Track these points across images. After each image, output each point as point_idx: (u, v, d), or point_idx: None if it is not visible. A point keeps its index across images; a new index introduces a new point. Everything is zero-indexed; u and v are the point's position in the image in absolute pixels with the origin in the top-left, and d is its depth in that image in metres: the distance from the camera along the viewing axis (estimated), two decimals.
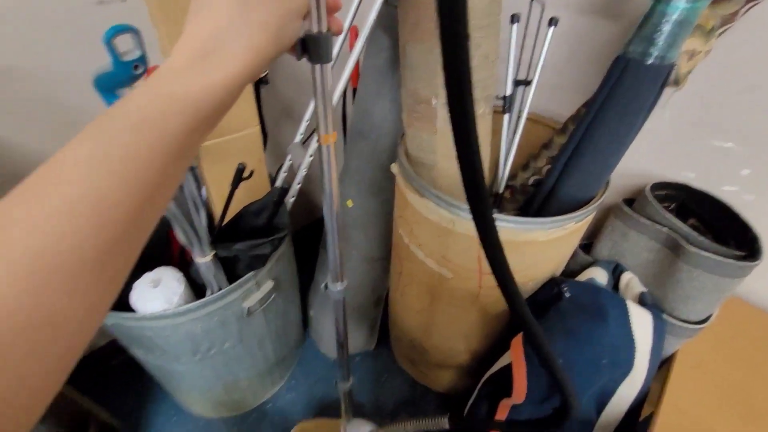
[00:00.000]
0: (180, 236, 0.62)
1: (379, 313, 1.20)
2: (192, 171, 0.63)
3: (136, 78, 0.36)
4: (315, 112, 0.34)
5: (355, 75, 0.95)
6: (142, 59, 0.37)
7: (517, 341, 0.70)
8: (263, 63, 0.23)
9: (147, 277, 0.71)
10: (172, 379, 0.94)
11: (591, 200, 0.70)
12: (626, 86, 0.56)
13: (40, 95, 0.78)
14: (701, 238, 0.67)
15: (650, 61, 0.53)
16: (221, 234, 0.73)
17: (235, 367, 0.94)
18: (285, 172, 0.94)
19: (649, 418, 0.70)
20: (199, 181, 0.65)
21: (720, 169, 0.75)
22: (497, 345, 0.94)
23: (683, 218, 0.74)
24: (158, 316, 0.68)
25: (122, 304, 0.71)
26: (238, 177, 0.64)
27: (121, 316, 0.67)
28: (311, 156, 0.82)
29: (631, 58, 0.55)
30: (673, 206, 0.81)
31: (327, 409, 1.15)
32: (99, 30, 0.77)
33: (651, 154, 0.81)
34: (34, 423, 0.16)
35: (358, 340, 1.23)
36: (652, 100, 0.58)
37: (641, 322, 0.65)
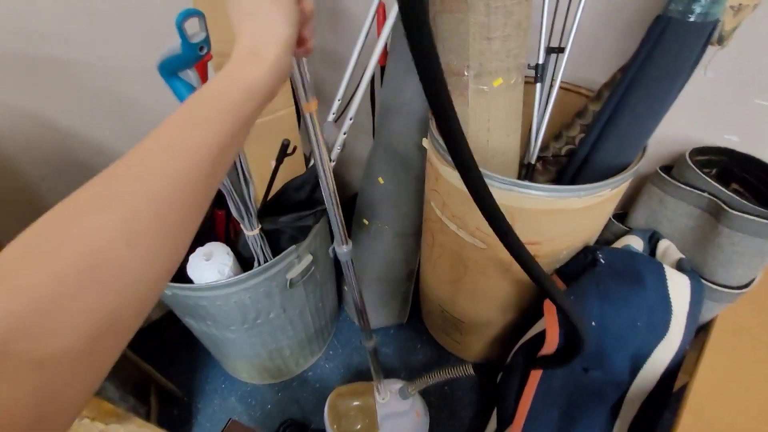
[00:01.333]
0: (233, 210, 0.67)
1: (410, 286, 1.23)
2: (239, 152, 0.67)
3: (200, 59, 0.39)
4: (295, 82, 0.38)
5: (383, 54, 0.96)
6: (207, 41, 0.40)
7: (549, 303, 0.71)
8: (292, 45, 0.31)
9: (200, 252, 0.77)
10: (223, 347, 1.02)
11: (627, 167, 0.70)
12: (666, 47, 0.55)
13: (100, 87, 0.84)
14: (744, 202, 0.65)
15: (692, 18, 0.52)
16: (266, 209, 0.78)
17: (278, 335, 1.01)
18: None
19: (685, 387, 0.71)
20: (244, 161, 0.69)
21: (766, 131, 0.72)
22: (530, 313, 0.96)
23: (725, 183, 0.72)
24: (213, 286, 0.73)
25: (179, 277, 0.77)
26: (283, 152, 0.68)
27: (180, 287, 0.74)
28: (345, 134, 0.85)
29: (672, 17, 0.54)
30: (714, 171, 0.79)
31: (363, 376, 1.22)
32: (144, 22, 0.81)
33: (690, 118, 0.79)
34: (133, 332, 0.22)
35: (391, 314, 1.28)
36: (694, 60, 0.57)
37: (679, 286, 0.65)
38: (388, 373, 1.19)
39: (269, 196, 0.77)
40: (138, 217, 0.20)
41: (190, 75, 0.44)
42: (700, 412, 0.61)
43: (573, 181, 0.77)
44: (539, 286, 0.47)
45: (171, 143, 0.23)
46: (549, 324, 0.68)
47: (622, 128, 0.65)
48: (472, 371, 0.80)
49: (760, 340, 0.69)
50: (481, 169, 0.69)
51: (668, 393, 0.73)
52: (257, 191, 0.79)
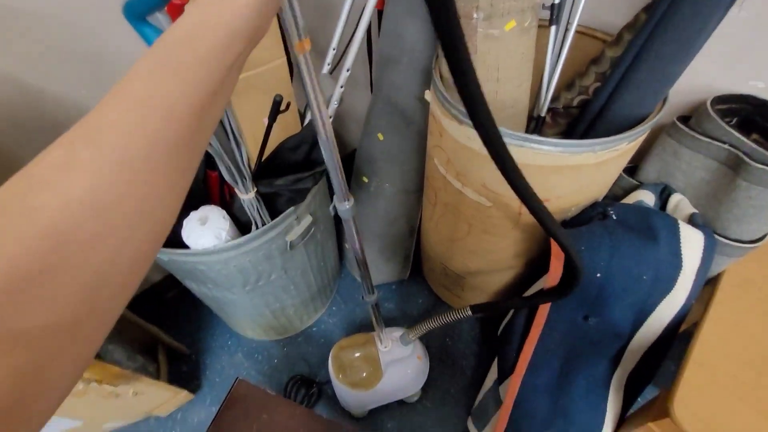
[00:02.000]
0: (225, 174, 0.63)
1: (412, 243, 1.22)
2: (227, 110, 0.62)
3: (167, 1, 0.34)
4: (285, 19, 0.32)
5: None
6: None
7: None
8: None
9: (194, 216, 0.74)
10: (226, 308, 1.03)
11: (644, 119, 0.65)
12: None
13: (70, 42, 0.76)
14: (766, 153, 0.62)
15: None
16: (261, 171, 0.74)
17: (281, 295, 1.01)
18: None
19: (686, 334, 0.71)
20: (233, 119, 0.64)
21: None
22: (532, 270, 0.95)
23: (745, 134, 0.68)
24: (210, 251, 0.71)
25: (175, 241, 0.75)
26: (276, 109, 0.63)
27: (176, 252, 0.72)
28: (342, 87, 0.79)
29: None
30: (734, 121, 0.74)
31: (366, 329, 1.24)
32: None
33: (715, 63, 0.73)
34: (123, 306, 0.20)
35: (393, 270, 1.28)
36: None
37: (691, 241, 0.64)
38: (390, 325, 1.22)
39: (263, 158, 0.73)
40: (106, 187, 0.17)
41: (161, 19, 0.38)
42: (705, 363, 0.61)
43: (585, 135, 0.73)
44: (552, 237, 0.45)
45: (140, 98, 0.19)
46: (553, 266, 0.67)
47: (645, 75, 0.59)
48: (470, 313, 0.81)
49: (767, 291, 0.69)
50: None
51: (669, 345, 0.74)
52: (250, 152, 0.75)
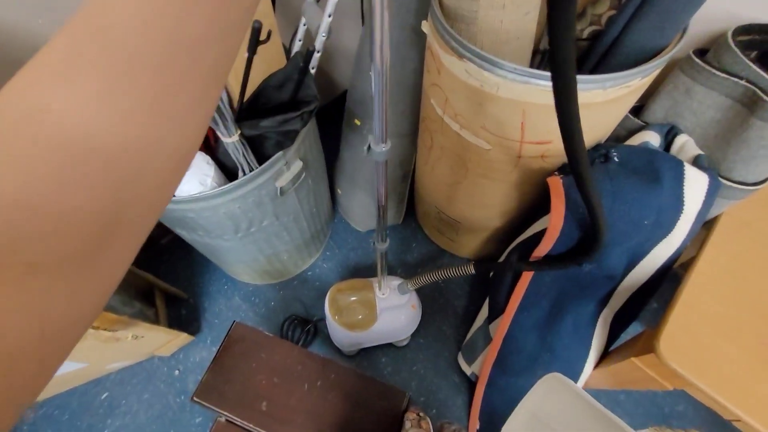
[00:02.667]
0: None
1: (406, 188, 1.20)
2: None
3: None
4: None
5: None
6: None
7: (556, 181, 0.67)
8: None
9: None
10: (219, 254, 1.02)
11: (659, 52, 0.60)
12: None
13: None
14: None
15: None
16: (244, 112, 0.68)
17: (274, 241, 1.00)
18: (300, 39, 0.83)
19: (674, 274, 0.72)
20: None
21: None
22: (528, 214, 0.94)
23: (765, 68, 0.63)
24: (196, 198, 0.68)
25: None
26: (255, 39, 0.56)
27: None
28: (330, 16, 0.71)
29: None
30: (754, 54, 0.69)
31: (360, 274, 1.26)
32: None
33: None
34: (147, 230, 0.18)
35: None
36: None
37: (695, 184, 0.62)
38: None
39: (246, 97, 0.67)
40: (122, 87, 0.14)
41: None
42: (694, 302, 0.63)
43: (594, 71, 0.67)
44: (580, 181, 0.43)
45: None
46: (554, 206, 0.66)
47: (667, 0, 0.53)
48: (473, 270, 0.82)
49: (764, 234, 0.69)
50: (491, 56, 0.59)
51: (658, 285, 0.75)
52: (231, 90, 0.68)
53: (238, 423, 0.75)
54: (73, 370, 0.89)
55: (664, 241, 0.68)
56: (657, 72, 0.59)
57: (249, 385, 0.78)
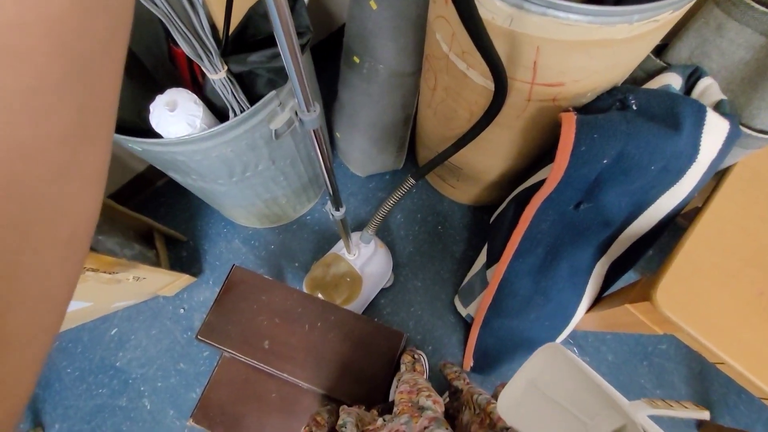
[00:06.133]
0: (184, 47, 0.53)
1: (407, 131, 1.15)
2: None
3: None
4: None
5: None
6: None
7: (569, 117, 0.63)
8: None
9: (160, 100, 0.65)
10: (216, 198, 1.00)
11: None
12: None
13: None
14: None
15: None
16: (231, 45, 0.62)
17: (271, 185, 0.97)
18: None
19: (676, 225, 0.71)
20: None
21: None
22: (532, 161, 0.91)
23: None
24: (184, 141, 0.65)
25: (147, 130, 0.68)
26: None
27: (148, 142, 0.65)
28: None
29: None
30: None
31: (359, 219, 1.26)
32: None
33: None
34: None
35: (386, 161, 1.23)
36: None
37: (714, 130, 0.58)
38: (388, 218, 1.23)
39: (231, 28, 0.60)
40: None
41: None
42: (694, 253, 0.62)
43: (619, 2, 0.60)
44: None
45: None
46: (563, 142, 0.62)
47: None
48: (413, 181, 0.83)
49: None
50: None
51: (659, 235, 0.74)
52: (214, 18, 0.62)
53: (242, 359, 0.79)
54: (79, 308, 0.92)
55: (672, 190, 0.66)
56: (690, 4, 0.53)
57: (251, 325, 0.80)
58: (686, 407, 0.30)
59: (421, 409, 0.51)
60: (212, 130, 0.63)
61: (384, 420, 0.54)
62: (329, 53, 1.27)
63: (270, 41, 0.63)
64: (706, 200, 0.66)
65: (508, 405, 0.37)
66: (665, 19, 0.51)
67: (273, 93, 0.69)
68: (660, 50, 0.75)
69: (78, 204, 0.15)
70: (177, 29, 0.49)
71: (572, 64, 0.59)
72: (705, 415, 0.30)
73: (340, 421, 0.56)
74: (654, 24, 0.51)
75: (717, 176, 0.70)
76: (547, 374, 0.35)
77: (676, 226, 0.72)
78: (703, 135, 0.58)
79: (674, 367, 1.08)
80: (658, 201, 0.69)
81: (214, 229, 1.25)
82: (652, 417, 0.30)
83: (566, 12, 0.50)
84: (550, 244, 0.84)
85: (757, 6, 0.58)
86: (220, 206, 1.10)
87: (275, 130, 0.75)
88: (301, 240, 1.23)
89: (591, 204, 0.73)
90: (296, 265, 1.21)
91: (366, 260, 1.04)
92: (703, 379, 1.07)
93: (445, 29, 0.68)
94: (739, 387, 0.62)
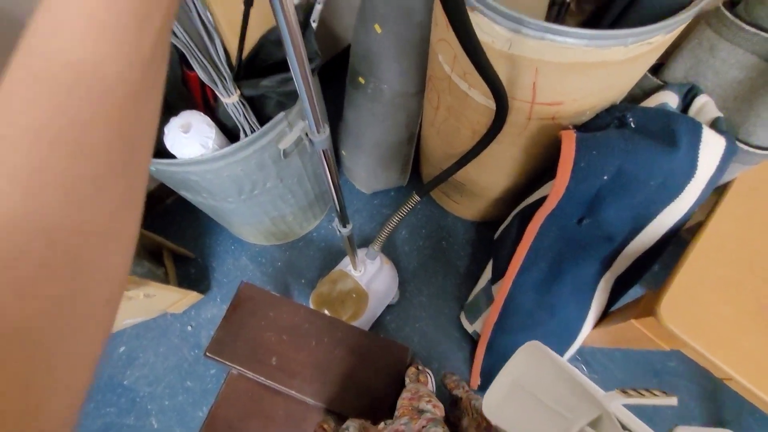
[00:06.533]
0: (200, 73, 0.56)
1: (411, 149, 1.17)
2: None
3: None
4: None
5: None
6: None
7: (569, 135, 0.65)
8: None
9: (175, 122, 0.68)
10: (224, 216, 1.02)
11: (684, 5, 0.56)
12: None
13: None
14: None
15: None
16: (244, 70, 0.65)
17: (279, 203, 1.00)
18: None
19: (680, 239, 0.72)
20: (200, 5, 0.54)
21: None
22: (534, 178, 0.93)
23: None
24: (198, 161, 0.67)
25: (161, 150, 0.70)
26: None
27: (163, 163, 0.68)
28: None
29: None
30: None
31: (364, 235, 1.27)
32: None
33: None
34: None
35: (391, 178, 1.25)
36: None
37: (711, 148, 0.60)
38: (392, 235, 1.25)
39: (244, 53, 0.64)
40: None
41: None
42: (698, 267, 0.63)
43: (613, 26, 0.63)
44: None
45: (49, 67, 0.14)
46: (563, 160, 0.64)
47: None
48: (417, 198, 0.84)
49: None
50: (506, 9, 0.55)
51: (663, 250, 0.75)
52: (228, 46, 0.65)
53: (250, 376, 0.79)
54: None
55: (672, 205, 0.67)
56: (682, 27, 0.55)
57: (259, 342, 0.81)
58: (656, 395, 0.31)
59: (421, 411, 0.52)
60: (224, 150, 0.66)
61: (385, 423, 0.54)
62: (334, 73, 1.32)
63: (280, 66, 0.66)
64: (708, 215, 0.67)
65: (492, 404, 0.38)
66: (658, 41, 0.54)
67: (282, 114, 0.71)
68: (657, 69, 0.77)
69: (117, 267, 0.17)
70: (195, 58, 0.52)
71: (570, 85, 0.61)
72: (672, 401, 0.31)
73: (344, 425, 0.57)
74: (648, 46, 0.53)
75: (717, 191, 0.71)
76: (529, 372, 0.36)
77: (680, 240, 0.73)
78: (700, 152, 0.59)
79: (685, 384, 1.07)
80: (659, 216, 0.70)
81: (222, 247, 1.27)
82: (628, 407, 0.31)
83: (562, 36, 0.52)
84: (554, 259, 0.85)
85: (747, 27, 0.60)
86: (229, 224, 1.12)
87: (283, 150, 0.77)
88: (307, 257, 1.25)
89: (593, 219, 0.74)
90: (303, 281, 1.22)
91: (372, 276, 1.05)
92: (716, 398, 1.05)
93: (447, 52, 0.71)
94: (753, 406, 0.62)
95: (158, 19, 0.15)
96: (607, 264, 0.85)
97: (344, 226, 0.74)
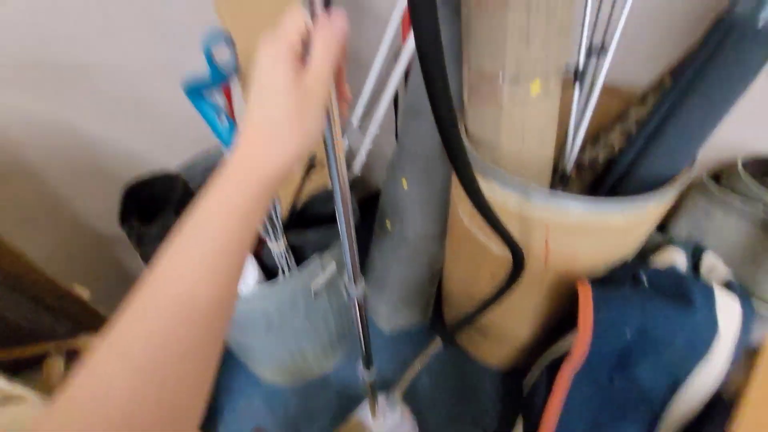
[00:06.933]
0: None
1: (434, 288, 1.21)
2: None
3: (226, 80, 0.37)
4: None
5: None
6: (234, 65, 0.38)
7: (586, 292, 0.67)
8: (302, 154, 0.29)
9: None
10: (247, 351, 1.03)
11: (674, 178, 0.65)
12: (729, 53, 0.50)
13: (119, 90, 0.83)
14: None
15: (761, 24, 0.47)
16: (291, 221, 0.76)
17: (302, 340, 1.00)
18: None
19: (726, 405, 0.66)
20: None
21: None
22: (557, 326, 0.93)
23: None
24: (241, 299, 0.73)
25: None
26: (310, 165, 0.66)
27: None
28: (370, 146, 0.82)
29: (737, 21, 0.49)
30: None
31: (381, 379, 1.21)
32: (170, 24, 0.80)
33: (744, 123, 0.73)
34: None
35: (413, 315, 1.26)
36: (758, 68, 0.52)
37: (728, 310, 0.61)
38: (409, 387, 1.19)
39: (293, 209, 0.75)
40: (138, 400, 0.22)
41: (216, 96, 0.42)
42: None
43: (612, 192, 0.73)
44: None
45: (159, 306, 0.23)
46: (582, 309, 0.65)
47: (673, 137, 0.60)
48: (441, 345, 0.81)
49: None
50: (516, 177, 0.66)
51: (708, 417, 0.69)
52: (282, 204, 0.77)
53: None
54: None
55: (703, 364, 0.64)
56: (671, 198, 0.63)
57: None
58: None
59: None
60: (266, 289, 0.72)
61: None
62: (364, 214, 1.47)
63: (324, 219, 0.77)
64: (746, 378, 0.64)
65: None
66: (652, 210, 0.61)
67: (316, 256, 0.79)
68: (663, 226, 0.84)
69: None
70: None
71: (580, 242, 0.67)
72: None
73: None
74: (644, 215, 0.61)
75: (753, 354, 0.69)
76: None
77: (726, 408, 0.68)
78: (717, 313, 0.61)
79: None
80: (694, 375, 0.67)
81: (236, 384, 1.23)
82: None
83: (563, 201, 0.61)
84: (591, 420, 0.78)
85: (732, 198, 0.68)
86: (249, 359, 1.11)
87: (314, 290, 0.83)
88: (323, 399, 1.18)
89: (625, 378, 0.71)
90: (315, 427, 1.12)
91: (391, 429, 0.97)
92: None
93: (465, 207, 0.81)
94: None
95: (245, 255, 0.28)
96: (649, 430, 0.77)
97: (368, 368, 0.73)
